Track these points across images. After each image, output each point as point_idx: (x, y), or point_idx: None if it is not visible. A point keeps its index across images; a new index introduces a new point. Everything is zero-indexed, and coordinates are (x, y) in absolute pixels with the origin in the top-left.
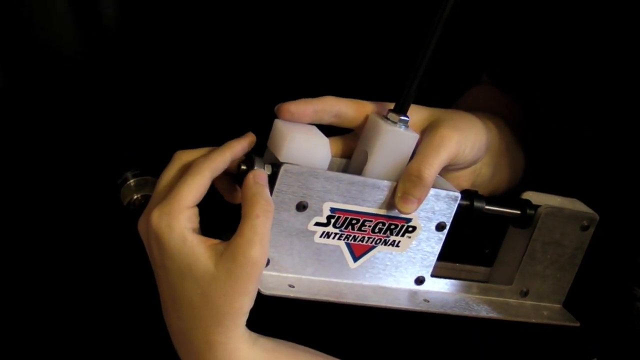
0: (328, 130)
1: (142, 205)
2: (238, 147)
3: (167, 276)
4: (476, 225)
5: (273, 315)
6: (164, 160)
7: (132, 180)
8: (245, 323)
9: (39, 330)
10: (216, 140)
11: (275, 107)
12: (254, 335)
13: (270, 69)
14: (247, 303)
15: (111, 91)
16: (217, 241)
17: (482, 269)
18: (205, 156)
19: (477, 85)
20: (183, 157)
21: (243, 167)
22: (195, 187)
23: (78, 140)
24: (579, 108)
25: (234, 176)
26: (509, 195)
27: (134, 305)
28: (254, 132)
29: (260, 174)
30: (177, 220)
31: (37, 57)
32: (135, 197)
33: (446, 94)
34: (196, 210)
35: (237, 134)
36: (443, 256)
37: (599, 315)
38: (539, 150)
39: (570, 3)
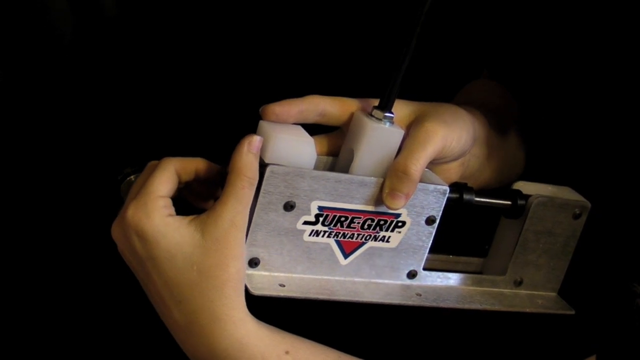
0: (314, 128)
1: None
2: (205, 165)
3: (157, 265)
4: (472, 217)
5: (269, 315)
6: (165, 155)
7: (132, 176)
8: (244, 294)
9: (39, 330)
10: (206, 139)
11: (260, 109)
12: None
13: (257, 69)
14: (240, 268)
15: (111, 88)
16: (194, 215)
17: (476, 260)
18: (172, 157)
19: (476, 79)
20: (154, 163)
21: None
22: (165, 178)
23: (78, 137)
24: (578, 108)
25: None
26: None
27: (134, 301)
28: (241, 134)
29: (254, 141)
30: (154, 208)
31: (37, 54)
32: None
33: (448, 90)
34: (170, 200)
35: (227, 135)
36: (438, 248)
37: (598, 312)
38: (535, 142)
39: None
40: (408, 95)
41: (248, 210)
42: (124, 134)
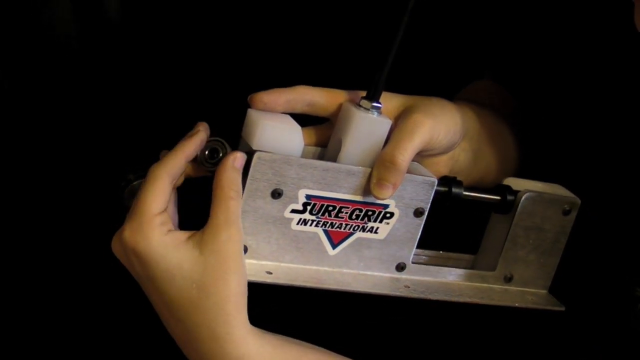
0: (304, 119)
1: None
2: (191, 148)
3: (157, 285)
4: (463, 214)
5: (268, 311)
6: None
7: (135, 182)
8: (246, 310)
9: (39, 330)
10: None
11: (248, 97)
12: (260, 330)
13: (258, 68)
14: (242, 282)
15: (114, 91)
16: (192, 232)
17: (467, 256)
18: (159, 161)
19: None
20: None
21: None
22: (157, 194)
23: (81, 143)
24: (577, 110)
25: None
26: None
27: (136, 304)
28: (233, 125)
29: (239, 158)
30: (150, 229)
31: (40, 56)
32: None
33: (449, 91)
34: (166, 214)
35: (228, 136)
36: (428, 245)
37: (601, 317)
38: (532, 143)
39: (574, 5)
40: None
41: (240, 220)
42: (128, 138)
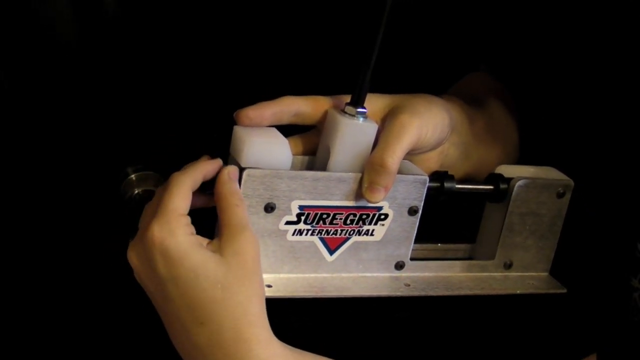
0: (292, 128)
1: (143, 200)
2: (209, 167)
3: (180, 286)
4: (459, 204)
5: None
6: (165, 155)
7: (132, 176)
8: (266, 313)
9: (39, 330)
10: (206, 138)
11: (234, 114)
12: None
13: (261, 69)
14: (262, 283)
15: (112, 86)
16: (209, 239)
17: (464, 245)
18: (182, 170)
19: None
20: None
21: None
22: (182, 196)
23: (79, 136)
24: (573, 101)
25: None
26: None
27: (135, 301)
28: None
29: (233, 171)
30: (177, 226)
31: (38, 52)
32: (136, 191)
33: (444, 85)
34: (190, 219)
35: (227, 134)
36: (426, 237)
37: (597, 308)
38: (528, 135)
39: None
40: (403, 90)
41: (251, 227)
42: (126, 133)
